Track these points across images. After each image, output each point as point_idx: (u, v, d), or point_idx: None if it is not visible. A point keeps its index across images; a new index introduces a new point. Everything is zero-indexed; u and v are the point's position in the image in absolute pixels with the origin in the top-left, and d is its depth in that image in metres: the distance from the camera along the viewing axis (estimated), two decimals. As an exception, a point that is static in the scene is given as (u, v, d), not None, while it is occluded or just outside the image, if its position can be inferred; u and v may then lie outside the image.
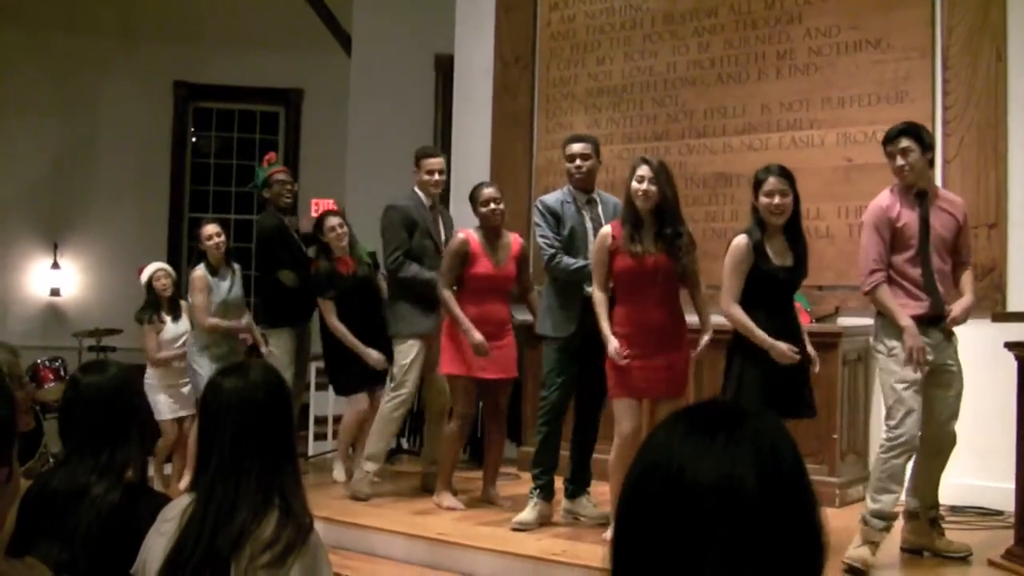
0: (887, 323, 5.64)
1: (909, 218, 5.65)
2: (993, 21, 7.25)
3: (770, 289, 5.66)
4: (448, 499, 7.05)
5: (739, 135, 8.29)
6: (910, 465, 5.70)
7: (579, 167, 6.63)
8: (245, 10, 13.69)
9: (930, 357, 5.54)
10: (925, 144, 5.66)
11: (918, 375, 5.52)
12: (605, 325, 5.93)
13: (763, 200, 5.65)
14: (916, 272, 5.63)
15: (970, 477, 7.00)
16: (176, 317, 8.26)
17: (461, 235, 6.97)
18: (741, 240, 5.70)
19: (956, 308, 5.66)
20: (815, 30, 7.98)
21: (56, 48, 13.54)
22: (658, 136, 8.68)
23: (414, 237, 7.44)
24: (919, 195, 5.67)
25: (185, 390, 8.15)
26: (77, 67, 13.63)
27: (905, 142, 5.62)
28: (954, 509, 6.83)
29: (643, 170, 5.90)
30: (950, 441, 5.73)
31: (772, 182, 5.64)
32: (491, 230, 6.96)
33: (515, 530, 6.37)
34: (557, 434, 6.65)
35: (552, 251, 6.54)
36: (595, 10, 9.12)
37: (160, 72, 14.06)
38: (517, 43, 9.54)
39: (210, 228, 8.24)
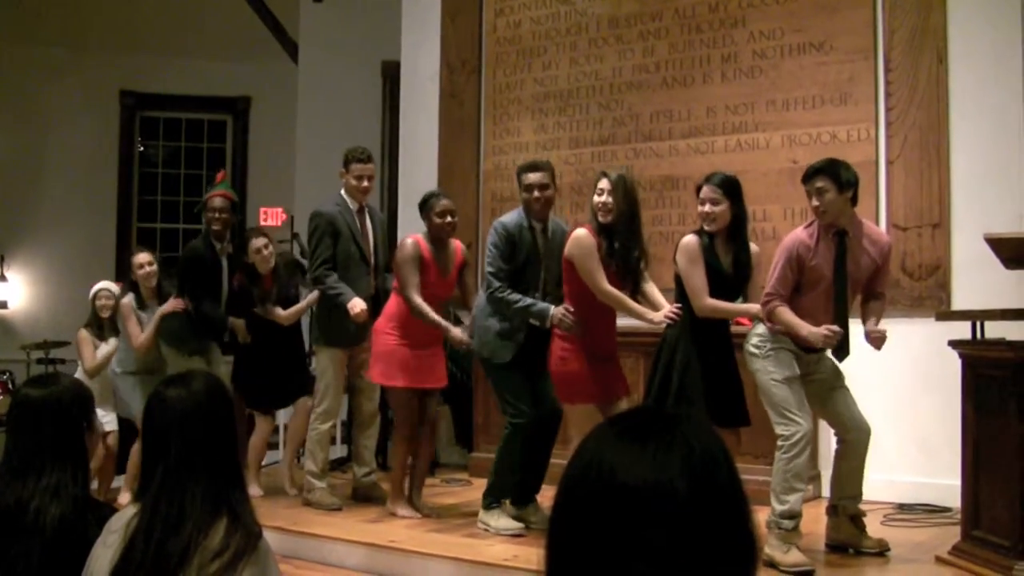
0: (764, 328, 5.62)
1: (823, 259, 5.51)
2: (934, 24, 7.34)
3: (718, 289, 5.69)
4: (403, 508, 6.96)
5: (685, 138, 8.33)
6: (830, 461, 5.77)
7: (537, 199, 6.43)
8: (192, 19, 13.64)
9: (793, 372, 5.57)
10: (842, 182, 5.43)
11: (796, 371, 5.56)
12: (635, 306, 5.88)
13: (698, 207, 5.72)
14: (816, 310, 5.52)
15: (917, 474, 7.09)
16: (112, 337, 7.90)
17: (411, 240, 6.85)
18: (692, 238, 5.74)
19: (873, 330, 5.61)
20: (759, 33, 8.04)
21: (1, 57, 13.42)
22: (604, 140, 8.71)
23: (339, 244, 7.30)
24: (838, 234, 5.51)
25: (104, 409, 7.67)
26: (22, 76, 13.53)
27: (820, 182, 5.44)
28: (902, 507, 6.91)
29: (602, 183, 5.92)
30: (866, 433, 5.71)
31: (704, 190, 5.70)
32: (440, 240, 6.90)
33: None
34: (519, 460, 6.53)
35: (499, 284, 6.33)
36: (541, 15, 9.15)
37: (106, 81, 13.99)
38: (463, 49, 9.56)
39: (140, 257, 7.80)
